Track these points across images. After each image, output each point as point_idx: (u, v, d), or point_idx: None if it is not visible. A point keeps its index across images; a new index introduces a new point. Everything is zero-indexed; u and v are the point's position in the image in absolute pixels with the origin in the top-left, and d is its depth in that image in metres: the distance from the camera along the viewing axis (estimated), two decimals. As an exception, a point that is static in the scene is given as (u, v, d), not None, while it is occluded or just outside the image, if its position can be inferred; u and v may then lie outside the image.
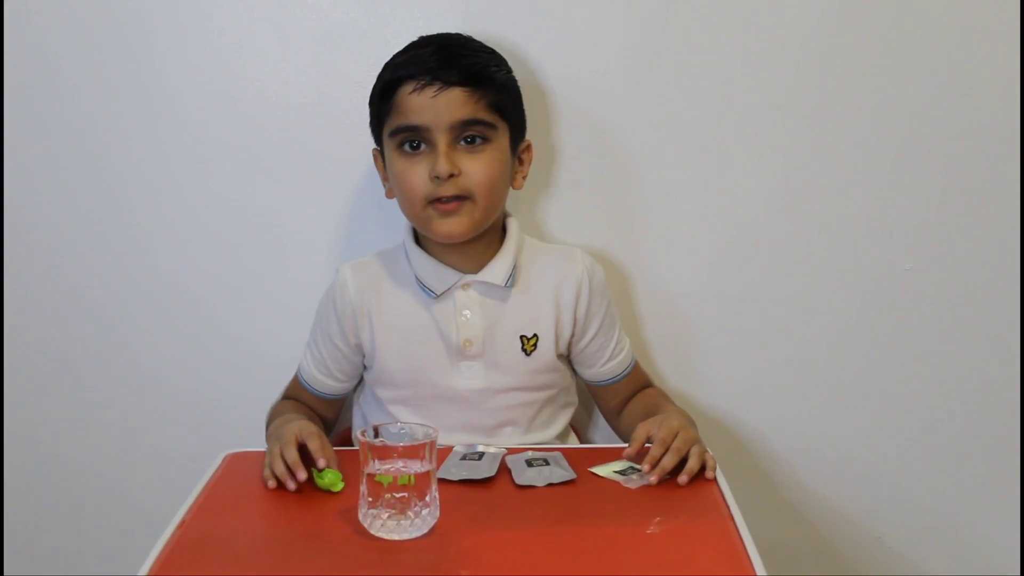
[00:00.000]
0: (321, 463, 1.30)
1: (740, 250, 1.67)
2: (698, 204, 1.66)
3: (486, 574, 1.12)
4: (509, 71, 1.50)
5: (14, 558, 1.78)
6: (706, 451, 1.34)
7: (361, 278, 1.52)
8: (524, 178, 1.53)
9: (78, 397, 1.74)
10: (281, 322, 1.66)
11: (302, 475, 1.29)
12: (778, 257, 1.67)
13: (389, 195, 1.52)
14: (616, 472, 1.35)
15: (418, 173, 1.43)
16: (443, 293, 1.48)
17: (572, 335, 1.53)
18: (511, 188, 1.51)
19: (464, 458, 1.38)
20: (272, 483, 1.31)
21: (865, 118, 1.63)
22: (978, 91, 1.62)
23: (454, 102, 1.41)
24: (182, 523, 1.23)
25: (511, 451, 1.41)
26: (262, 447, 1.56)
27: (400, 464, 1.17)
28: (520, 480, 1.32)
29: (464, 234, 1.45)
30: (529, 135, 1.53)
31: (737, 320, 1.70)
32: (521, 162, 1.52)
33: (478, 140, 1.43)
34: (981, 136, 1.64)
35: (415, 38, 1.49)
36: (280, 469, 1.31)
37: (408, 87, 1.42)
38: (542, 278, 1.51)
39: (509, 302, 1.50)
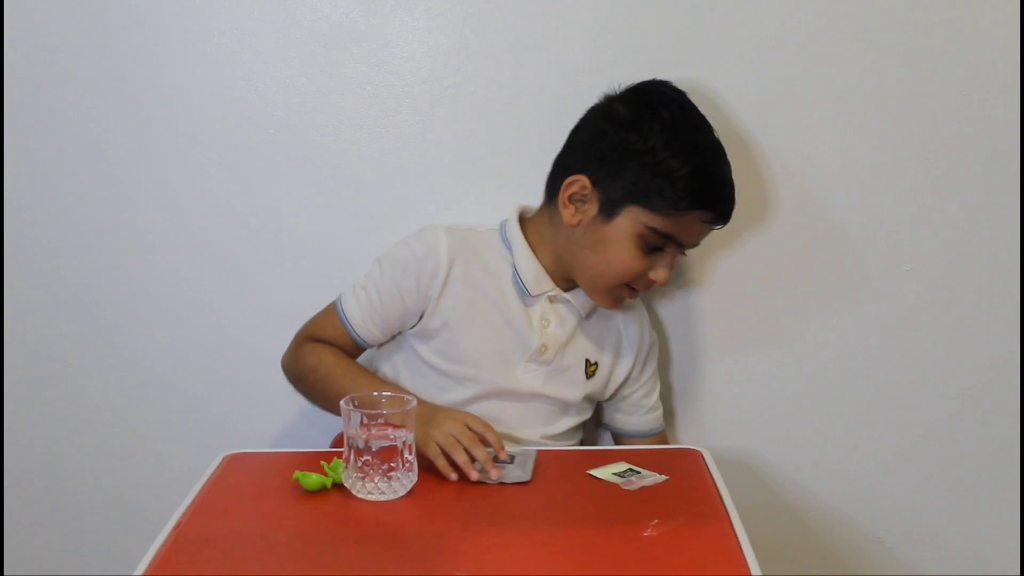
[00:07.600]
0: (503, 455, 1.36)
1: (739, 250, 1.67)
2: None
3: (486, 574, 1.12)
4: None
5: (14, 558, 1.78)
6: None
7: (455, 243, 1.49)
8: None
9: (78, 397, 1.74)
10: (281, 323, 1.66)
11: (495, 474, 1.33)
12: (776, 257, 1.67)
13: (571, 222, 1.46)
14: (614, 474, 1.35)
15: (641, 266, 1.46)
16: (535, 296, 1.51)
17: (628, 376, 1.59)
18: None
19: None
20: (453, 476, 1.33)
21: (865, 117, 1.63)
22: (978, 91, 1.62)
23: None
24: (178, 524, 1.22)
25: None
26: (261, 448, 1.56)
27: (375, 431, 1.27)
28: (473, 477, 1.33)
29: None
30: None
31: (735, 320, 1.70)
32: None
33: None
34: (981, 136, 1.64)
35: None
36: (463, 459, 1.33)
37: (702, 215, 1.45)
38: (611, 314, 1.57)
39: (584, 327, 1.55)
